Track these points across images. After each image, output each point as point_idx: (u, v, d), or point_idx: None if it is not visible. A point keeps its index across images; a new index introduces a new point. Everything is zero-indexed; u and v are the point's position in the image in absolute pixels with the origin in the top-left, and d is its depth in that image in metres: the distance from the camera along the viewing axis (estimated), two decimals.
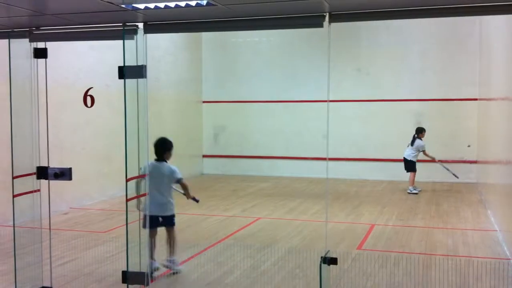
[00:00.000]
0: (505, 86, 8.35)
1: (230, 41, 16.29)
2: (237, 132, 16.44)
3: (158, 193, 6.29)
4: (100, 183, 11.36)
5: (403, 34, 14.82)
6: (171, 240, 6.46)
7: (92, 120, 10.96)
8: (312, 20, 4.16)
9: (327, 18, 4.03)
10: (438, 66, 14.66)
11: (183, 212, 10.22)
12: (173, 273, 6.34)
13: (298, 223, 9.29)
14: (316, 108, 14.89)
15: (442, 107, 14.65)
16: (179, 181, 6.55)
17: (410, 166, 12.67)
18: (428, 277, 6.32)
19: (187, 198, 6.71)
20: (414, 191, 12.40)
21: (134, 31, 4.64)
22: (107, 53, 10.87)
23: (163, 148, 6.41)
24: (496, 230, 8.53)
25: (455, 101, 14.55)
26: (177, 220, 9.54)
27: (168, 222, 6.44)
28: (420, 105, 14.76)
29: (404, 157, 12.75)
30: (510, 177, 7.47)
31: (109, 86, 10.75)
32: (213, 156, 16.69)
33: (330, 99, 15.04)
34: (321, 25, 4.04)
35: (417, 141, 12.58)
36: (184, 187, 6.63)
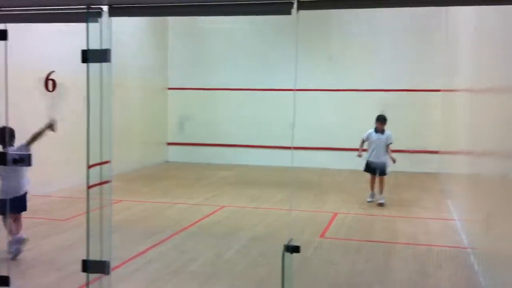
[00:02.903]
0: (468, 77, 8.49)
1: (198, 26, 16.11)
2: (203, 120, 16.32)
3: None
4: (63, 170, 11.13)
5: (374, 24, 14.91)
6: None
7: (57, 106, 10.69)
8: (280, 7, 4.12)
9: (295, 6, 3.99)
10: (407, 56, 14.79)
11: (147, 200, 10.14)
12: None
13: (262, 212, 9.31)
14: (284, 97, 14.89)
15: (408, 97, 14.80)
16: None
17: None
18: (389, 265, 6.42)
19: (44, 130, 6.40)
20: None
21: (99, 14, 4.52)
22: (74, 38, 10.59)
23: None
24: (455, 219, 8.71)
25: (422, 92, 14.71)
26: (139, 207, 9.52)
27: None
28: (386, 95, 14.88)
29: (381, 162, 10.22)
30: (469, 167, 7.63)
31: (75, 72, 10.50)
32: (178, 144, 16.55)
33: (301, 88, 15.08)
34: (289, 13, 4.01)
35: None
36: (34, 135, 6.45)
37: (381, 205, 9.83)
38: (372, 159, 10.17)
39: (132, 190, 11.28)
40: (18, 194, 6.33)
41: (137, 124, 14.75)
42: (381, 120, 10.16)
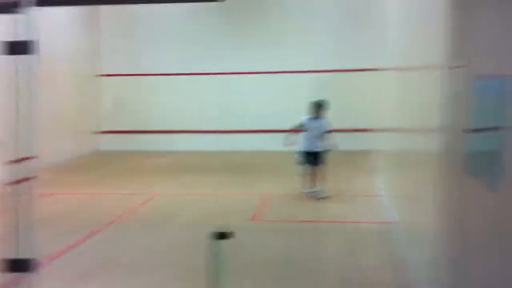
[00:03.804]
0: (397, 56, 8.70)
1: (130, 12, 15.74)
2: (136, 106, 16.05)
3: None
4: None
5: (306, 5, 15.00)
6: None
7: None
8: None
9: None
10: (339, 37, 15.02)
11: (78, 192, 9.93)
12: None
13: (195, 198, 9.30)
14: (216, 81, 14.85)
15: (340, 77, 15.05)
16: None
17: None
18: (318, 244, 6.57)
19: None
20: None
21: (26, 4, 4.33)
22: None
23: None
24: (384, 196, 8.98)
25: (352, 72, 14.99)
26: (69, 200, 9.31)
27: None
28: (321, 76, 15.06)
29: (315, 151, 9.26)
30: (399, 144, 7.86)
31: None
32: (112, 132, 16.22)
33: (235, 71, 15.07)
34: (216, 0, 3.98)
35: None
36: None
37: (322, 198, 8.97)
38: (309, 149, 9.19)
39: (62, 181, 11.01)
40: None
41: (69, 113, 14.35)
42: (317, 106, 9.28)
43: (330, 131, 9.31)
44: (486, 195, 3.21)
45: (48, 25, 12.82)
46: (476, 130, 3.53)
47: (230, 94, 15.12)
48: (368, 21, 14.56)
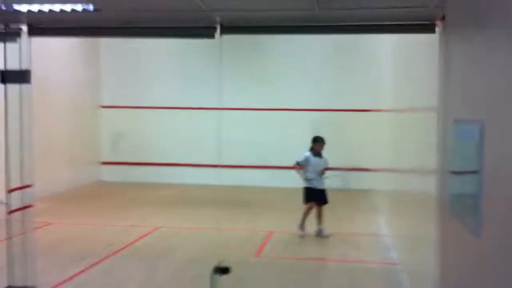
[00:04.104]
0: (391, 98, 8.84)
1: (131, 45, 15.93)
2: (136, 138, 16.08)
3: None
4: None
5: (304, 44, 15.22)
6: None
7: None
8: (204, 31, 4.19)
9: (218, 30, 4.06)
10: (336, 76, 15.17)
11: (78, 222, 9.87)
12: None
13: (196, 232, 9.24)
14: (216, 115, 14.90)
15: (339, 116, 15.16)
16: None
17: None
18: (319, 284, 6.50)
19: None
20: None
21: (18, 33, 4.41)
22: None
23: None
24: (386, 236, 8.94)
25: (350, 112, 15.10)
26: (70, 230, 9.24)
27: None
28: (318, 114, 15.18)
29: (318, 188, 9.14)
30: (395, 184, 7.89)
31: None
32: (112, 163, 16.21)
33: (233, 107, 15.17)
34: (212, 36, 4.07)
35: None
36: None
37: (326, 237, 8.83)
38: (314, 186, 9.06)
39: (62, 211, 10.96)
40: None
41: (69, 143, 14.38)
42: (321, 141, 9.27)
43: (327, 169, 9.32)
44: (467, 237, 3.21)
45: (49, 56, 12.98)
46: (457, 173, 3.56)
47: (230, 129, 15.17)
48: (366, 61, 14.75)
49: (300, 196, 9.15)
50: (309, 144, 9.47)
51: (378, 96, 12.05)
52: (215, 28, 4.04)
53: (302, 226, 8.99)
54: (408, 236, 6.34)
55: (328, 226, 9.83)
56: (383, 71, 10.83)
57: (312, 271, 7.02)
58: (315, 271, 6.99)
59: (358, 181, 14.74)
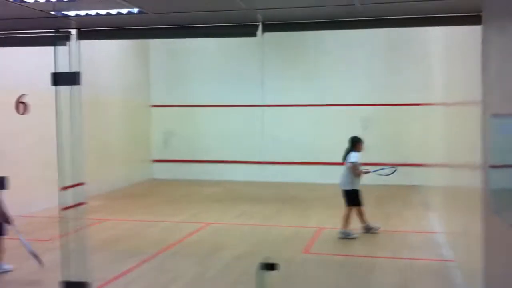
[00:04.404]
0: (442, 91, 8.63)
1: (179, 45, 16.17)
2: (187, 136, 16.34)
3: None
4: (46, 190, 11.07)
5: (350, 40, 15.06)
6: None
7: (36, 126, 10.67)
8: (246, 29, 4.22)
9: (260, 28, 4.07)
10: (384, 71, 14.96)
11: (131, 219, 10.12)
12: None
13: (246, 228, 9.31)
14: (266, 112, 14.94)
15: (388, 111, 14.94)
16: None
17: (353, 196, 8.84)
18: (370, 280, 6.44)
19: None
20: (352, 236, 8.54)
21: (67, 37, 4.56)
22: (51, 57, 10.61)
23: None
24: (438, 232, 8.76)
25: (400, 106, 14.86)
26: (123, 226, 9.49)
27: None
28: (366, 109, 15.02)
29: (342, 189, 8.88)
30: (448, 179, 7.71)
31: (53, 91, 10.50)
32: (163, 161, 16.53)
33: (280, 103, 15.18)
34: (254, 35, 4.09)
35: (353, 155, 8.73)
36: None
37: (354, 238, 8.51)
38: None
39: (116, 209, 11.27)
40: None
41: (121, 142, 14.74)
42: (362, 141, 8.87)
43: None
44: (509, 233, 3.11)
45: (100, 60, 13.33)
46: (497, 167, 3.45)
47: (276, 126, 15.17)
48: (415, 54, 14.46)
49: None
50: None
51: (429, 89, 11.80)
52: (257, 26, 4.06)
53: (367, 227, 8.81)
54: (460, 232, 6.19)
55: (379, 223, 9.73)
56: (434, 64, 10.59)
57: (362, 268, 6.96)
58: (366, 269, 6.92)
59: (409, 176, 14.49)
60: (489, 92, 3.73)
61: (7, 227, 6.52)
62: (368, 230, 8.76)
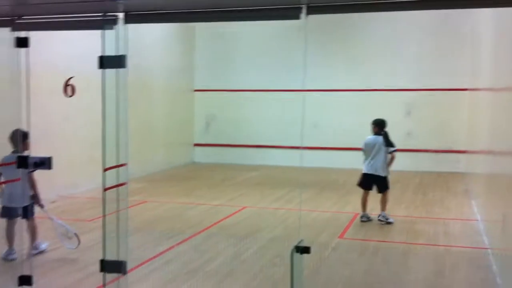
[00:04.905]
0: (490, 77, 8.44)
1: (223, 30, 16.26)
2: (228, 121, 16.48)
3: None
4: (90, 171, 11.37)
5: (396, 24, 14.81)
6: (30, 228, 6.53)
7: (83, 108, 10.94)
8: (289, 12, 4.18)
9: (304, 10, 4.05)
10: (431, 56, 14.68)
11: (171, 201, 10.33)
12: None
13: (283, 212, 9.37)
14: (307, 98, 14.89)
15: (433, 96, 14.68)
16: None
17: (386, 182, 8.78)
18: (405, 266, 6.42)
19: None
20: (390, 220, 8.56)
21: (114, 21, 4.65)
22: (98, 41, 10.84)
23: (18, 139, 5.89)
24: (478, 220, 8.62)
25: (446, 91, 14.58)
26: (162, 208, 9.70)
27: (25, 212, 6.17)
28: (411, 95, 14.79)
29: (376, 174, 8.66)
30: (491, 167, 7.57)
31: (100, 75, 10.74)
32: (204, 145, 16.75)
33: (322, 88, 15.10)
34: (298, 17, 4.07)
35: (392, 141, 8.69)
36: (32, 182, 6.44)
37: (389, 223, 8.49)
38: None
39: (157, 191, 11.51)
40: (26, 203, 6.33)
41: (164, 126, 15.01)
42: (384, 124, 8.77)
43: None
44: None
45: (146, 45, 13.53)
46: None
47: (319, 111, 15.09)
48: (463, 38, 14.13)
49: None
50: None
51: (476, 75, 11.53)
52: (301, 8, 4.04)
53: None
54: (497, 220, 6.09)
55: (418, 209, 9.67)
56: (482, 49, 10.33)
57: (398, 254, 6.94)
58: (401, 254, 6.90)
59: (453, 163, 14.28)
60: None
61: (36, 209, 6.67)
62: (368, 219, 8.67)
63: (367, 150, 8.65)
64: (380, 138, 8.58)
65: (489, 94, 8.54)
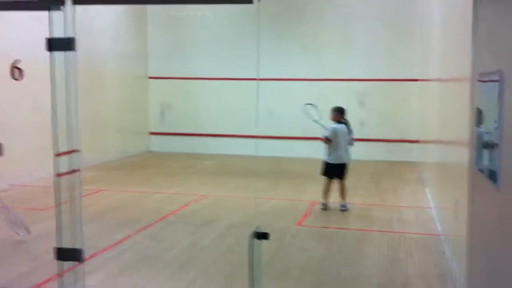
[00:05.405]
0: (438, 67, 8.63)
1: (176, 15, 16.06)
2: (184, 109, 16.33)
3: None
4: (41, 160, 11.08)
5: (348, 13, 14.97)
6: None
7: (30, 95, 10.63)
8: None
9: None
10: (382, 46, 14.89)
11: (126, 190, 10.18)
12: None
13: (241, 201, 9.38)
14: (262, 87, 14.91)
15: (386, 86, 14.93)
16: None
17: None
18: (361, 252, 6.53)
19: None
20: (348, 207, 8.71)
21: (62, 1, 4.50)
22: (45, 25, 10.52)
23: None
24: (431, 207, 8.84)
25: (398, 81, 14.84)
26: (118, 197, 9.54)
27: None
28: (364, 84, 14.99)
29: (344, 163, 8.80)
30: (441, 156, 7.77)
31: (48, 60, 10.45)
32: (160, 134, 16.56)
33: (277, 77, 15.12)
34: (250, 1, 4.04)
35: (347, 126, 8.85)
36: None
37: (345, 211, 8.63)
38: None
39: (112, 179, 11.33)
40: None
41: (118, 113, 14.74)
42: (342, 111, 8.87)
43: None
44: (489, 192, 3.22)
45: (97, 30, 13.24)
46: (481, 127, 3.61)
47: (273, 100, 15.13)
48: (413, 29, 14.40)
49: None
50: (353, 114, 9.40)
51: (425, 65, 11.79)
52: None
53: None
54: (448, 207, 6.26)
55: (373, 197, 9.83)
56: (431, 39, 10.56)
57: (354, 240, 7.04)
58: (357, 241, 7.01)
59: (405, 153, 14.58)
60: (477, 61, 3.75)
61: None
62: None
63: (334, 138, 8.60)
64: (343, 126, 8.65)
65: (438, 84, 8.75)
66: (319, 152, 14.57)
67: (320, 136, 8.83)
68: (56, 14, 4.41)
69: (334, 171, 8.74)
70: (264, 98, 14.80)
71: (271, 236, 4.45)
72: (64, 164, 4.88)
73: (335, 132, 8.62)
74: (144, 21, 16.24)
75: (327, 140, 8.64)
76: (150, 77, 16.51)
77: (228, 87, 15.90)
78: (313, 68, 15.27)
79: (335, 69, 15.13)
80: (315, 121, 9.01)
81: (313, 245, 6.78)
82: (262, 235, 4.57)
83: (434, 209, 8.53)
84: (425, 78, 11.97)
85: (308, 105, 9.23)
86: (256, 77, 13.24)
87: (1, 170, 9.45)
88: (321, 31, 15.25)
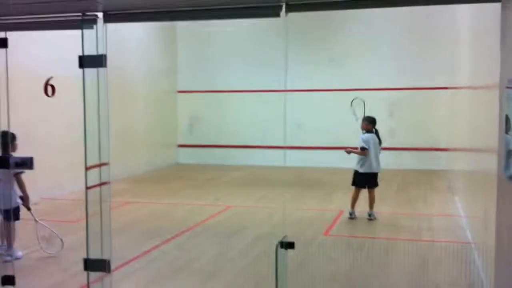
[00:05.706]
0: (469, 75, 8.54)
1: (205, 30, 16.25)
2: (212, 122, 16.46)
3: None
4: (72, 174, 11.27)
5: (374, 23, 14.91)
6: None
7: (63, 111, 10.85)
8: (269, 10, 4.20)
9: (283, 8, 4.06)
10: (410, 54, 14.79)
11: (155, 202, 10.29)
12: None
13: (268, 211, 9.38)
14: (290, 98, 14.92)
15: (414, 95, 14.80)
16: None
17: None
18: (389, 261, 6.47)
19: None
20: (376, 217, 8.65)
21: (94, 20, 4.63)
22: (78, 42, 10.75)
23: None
24: (461, 216, 8.71)
25: (427, 90, 14.70)
26: (148, 209, 9.65)
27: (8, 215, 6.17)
28: (392, 94, 14.89)
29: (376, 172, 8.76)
30: (473, 164, 7.65)
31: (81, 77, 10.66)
32: (188, 146, 16.70)
33: (304, 88, 15.14)
34: (278, 15, 4.08)
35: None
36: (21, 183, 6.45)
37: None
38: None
39: (140, 192, 11.46)
40: (14, 205, 6.36)
41: (148, 127, 14.95)
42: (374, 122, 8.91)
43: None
44: None
45: (128, 47, 13.46)
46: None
47: (301, 111, 15.12)
48: (441, 37, 14.25)
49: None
50: (381, 123, 9.36)
51: (456, 73, 11.66)
52: (280, 6, 4.05)
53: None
54: (479, 215, 6.16)
55: (402, 206, 9.74)
56: (461, 47, 10.45)
57: (383, 249, 6.98)
58: (386, 250, 6.95)
59: (435, 161, 14.39)
60: (508, 63, 3.70)
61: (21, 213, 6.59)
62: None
63: (368, 147, 8.53)
64: (374, 136, 8.64)
65: (468, 92, 8.64)
66: (345, 162, 14.47)
67: (350, 146, 8.79)
68: (88, 32, 4.54)
69: (365, 180, 8.66)
70: (291, 109, 14.79)
71: (298, 246, 4.47)
72: (95, 177, 4.98)
73: (367, 141, 8.55)
74: (173, 37, 16.49)
75: (363, 151, 8.54)
76: (179, 91, 16.71)
77: (255, 99, 15.97)
78: (341, 79, 15.22)
79: (362, 79, 15.05)
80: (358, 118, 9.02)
81: (340, 255, 6.75)
82: (287, 245, 4.58)
83: (464, 217, 8.39)
84: (454, 85, 11.85)
85: (356, 99, 9.08)
86: (284, 89, 13.28)
87: (32, 184, 9.64)
88: (348, 41, 15.24)
